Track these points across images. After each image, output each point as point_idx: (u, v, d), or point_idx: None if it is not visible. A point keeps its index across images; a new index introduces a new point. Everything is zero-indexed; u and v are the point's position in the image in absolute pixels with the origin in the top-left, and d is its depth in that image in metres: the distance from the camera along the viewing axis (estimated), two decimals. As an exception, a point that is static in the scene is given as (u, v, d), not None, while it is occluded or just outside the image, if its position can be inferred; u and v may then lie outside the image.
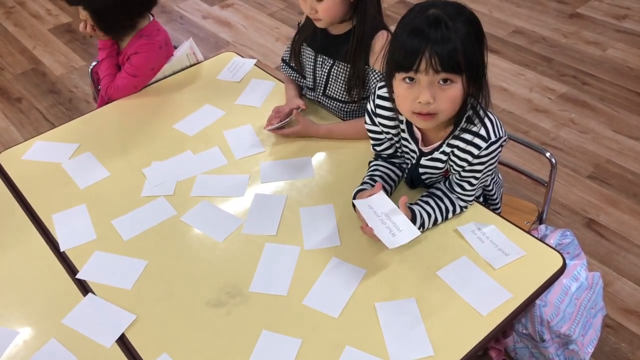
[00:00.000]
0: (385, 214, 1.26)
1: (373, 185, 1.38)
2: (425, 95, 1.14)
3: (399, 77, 1.18)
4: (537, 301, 1.39)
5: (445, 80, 1.14)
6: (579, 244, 1.56)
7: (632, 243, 2.13)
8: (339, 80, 1.67)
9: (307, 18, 1.68)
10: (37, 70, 3.32)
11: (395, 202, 1.28)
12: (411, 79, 1.16)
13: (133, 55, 1.87)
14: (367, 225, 1.26)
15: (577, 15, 3.45)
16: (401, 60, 1.15)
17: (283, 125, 1.66)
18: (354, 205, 1.36)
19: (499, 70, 3.05)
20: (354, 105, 1.70)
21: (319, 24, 1.57)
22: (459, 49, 1.10)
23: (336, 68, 1.65)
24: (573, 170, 2.44)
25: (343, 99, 1.69)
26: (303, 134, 1.65)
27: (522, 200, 1.82)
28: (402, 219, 1.25)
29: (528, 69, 3.05)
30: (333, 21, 1.55)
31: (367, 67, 1.59)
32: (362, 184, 1.40)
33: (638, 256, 2.09)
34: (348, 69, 1.62)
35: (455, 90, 1.15)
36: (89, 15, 1.80)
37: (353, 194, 1.38)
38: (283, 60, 1.81)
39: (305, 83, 1.78)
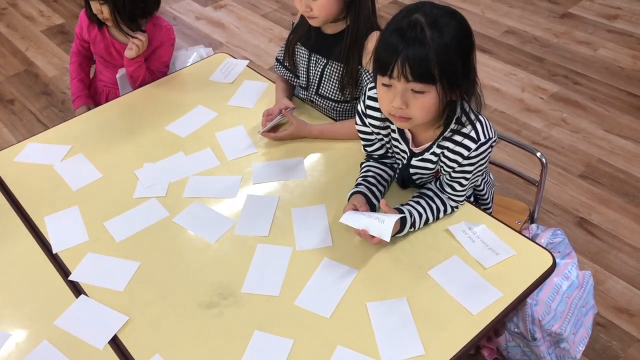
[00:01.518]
0: (369, 213, 1.29)
1: (367, 187, 1.39)
2: (397, 101, 1.17)
3: (379, 79, 1.20)
4: (529, 300, 1.40)
5: (417, 89, 1.15)
6: (570, 242, 1.58)
7: (623, 242, 2.15)
8: (332, 79, 1.67)
9: (302, 17, 1.68)
10: (29, 72, 3.31)
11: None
12: (387, 84, 1.17)
13: (159, 48, 1.97)
14: (360, 232, 1.27)
15: (568, 15, 3.47)
16: (380, 61, 1.16)
17: (276, 127, 1.67)
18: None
19: (490, 70, 3.06)
20: (346, 104, 1.71)
21: (313, 22, 1.57)
22: (433, 58, 1.10)
23: (330, 67, 1.66)
24: (564, 169, 2.46)
25: (336, 98, 1.70)
26: (296, 135, 1.65)
27: (514, 199, 1.83)
28: (383, 212, 1.28)
29: (520, 68, 3.07)
30: (327, 19, 1.55)
31: (360, 67, 1.60)
32: (356, 186, 1.41)
33: (629, 255, 2.10)
34: (341, 69, 1.63)
35: (427, 99, 1.16)
36: (109, 10, 1.84)
37: (348, 197, 1.39)
38: (277, 60, 1.81)
39: (299, 82, 1.78)
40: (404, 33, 1.11)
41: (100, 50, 2.01)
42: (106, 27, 1.97)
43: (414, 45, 1.10)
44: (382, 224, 1.24)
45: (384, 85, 1.19)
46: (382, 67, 1.15)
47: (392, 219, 1.25)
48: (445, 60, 1.11)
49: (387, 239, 1.23)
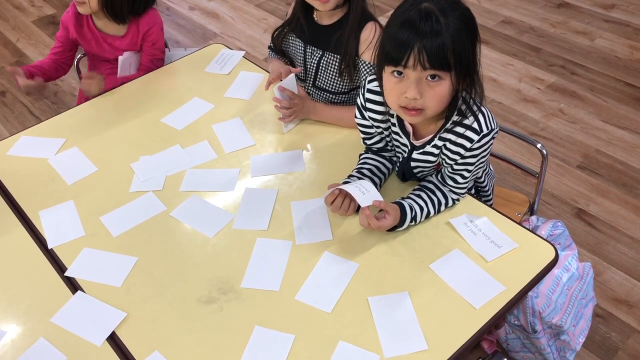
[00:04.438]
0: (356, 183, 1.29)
1: (360, 178, 1.37)
2: (412, 91, 1.14)
3: (388, 69, 1.17)
4: (529, 292, 1.39)
5: (433, 77, 1.13)
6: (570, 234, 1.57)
7: (622, 232, 2.14)
8: (328, 70, 1.66)
9: (294, 10, 1.66)
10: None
11: (385, 197, 1.28)
12: (400, 72, 1.15)
13: (149, 33, 1.93)
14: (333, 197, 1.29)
15: (565, 4, 3.45)
16: (391, 53, 1.14)
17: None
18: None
19: (487, 60, 3.05)
20: (344, 96, 1.70)
21: (325, 6, 1.53)
22: (449, 45, 1.09)
23: (326, 59, 1.65)
24: (562, 160, 2.45)
25: (333, 89, 1.68)
26: (304, 105, 1.62)
27: (513, 191, 1.82)
28: (370, 184, 1.28)
29: (517, 59, 3.05)
30: (339, 1, 1.53)
31: (356, 57, 1.58)
32: (349, 177, 1.39)
33: (627, 246, 2.10)
34: (338, 60, 1.61)
35: (442, 88, 1.14)
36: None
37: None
38: (270, 48, 1.80)
39: (297, 74, 1.76)
40: (418, 21, 1.09)
41: (92, 48, 1.97)
42: (92, 20, 1.93)
43: (430, 32, 1.08)
44: (362, 195, 1.25)
45: (395, 75, 1.16)
46: (395, 55, 1.12)
47: (377, 194, 1.24)
48: (460, 47, 1.10)
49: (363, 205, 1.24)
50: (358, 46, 1.57)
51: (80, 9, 1.85)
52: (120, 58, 1.95)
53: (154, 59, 1.97)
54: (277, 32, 1.72)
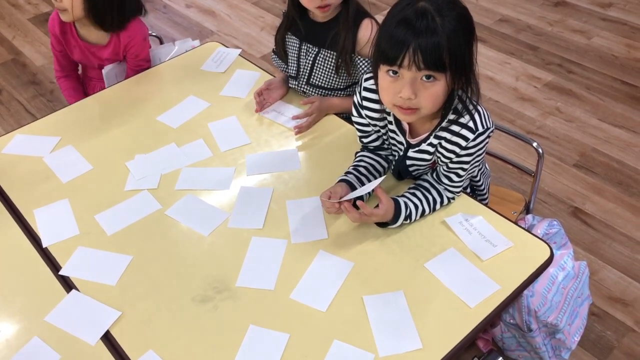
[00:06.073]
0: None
1: (356, 176, 1.37)
2: (406, 91, 1.14)
3: (383, 68, 1.17)
4: (525, 291, 1.39)
5: (428, 77, 1.13)
6: (565, 233, 1.57)
7: (617, 231, 2.15)
8: (324, 68, 1.66)
9: (287, 11, 1.66)
10: (17, 61, 3.25)
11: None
12: (395, 72, 1.15)
13: (131, 47, 1.89)
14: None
15: (562, 3, 3.45)
16: (386, 51, 1.13)
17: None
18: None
19: (484, 59, 3.04)
20: (340, 92, 1.70)
21: (325, 10, 1.54)
22: (444, 45, 1.09)
23: (322, 56, 1.64)
24: (559, 159, 2.45)
25: (328, 86, 1.68)
26: (321, 108, 1.64)
27: (509, 190, 1.82)
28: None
29: (514, 57, 3.05)
30: (336, 4, 1.54)
31: (353, 54, 1.58)
32: (345, 174, 1.39)
33: (623, 244, 2.10)
34: (334, 57, 1.61)
35: (437, 88, 1.14)
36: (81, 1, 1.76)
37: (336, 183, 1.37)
38: (274, 52, 1.80)
39: (288, 72, 1.76)
40: (414, 21, 1.09)
41: (78, 56, 1.96)
42: (75, 28, 1.90)
43: (425, 32, 1.08)
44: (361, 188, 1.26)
45: (390, 74, 1.16)
46: (391, 56, 1.12)
47: (375, 183, 1.25)
48: (455, 47, 1.10)
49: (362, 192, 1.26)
50: (355, 43, 1.57)
51: (63, 17, 1.81)
52: (103, 72, 1.94)
53: (138, 69, 1.94)
54: (278, 37, 1.72)
